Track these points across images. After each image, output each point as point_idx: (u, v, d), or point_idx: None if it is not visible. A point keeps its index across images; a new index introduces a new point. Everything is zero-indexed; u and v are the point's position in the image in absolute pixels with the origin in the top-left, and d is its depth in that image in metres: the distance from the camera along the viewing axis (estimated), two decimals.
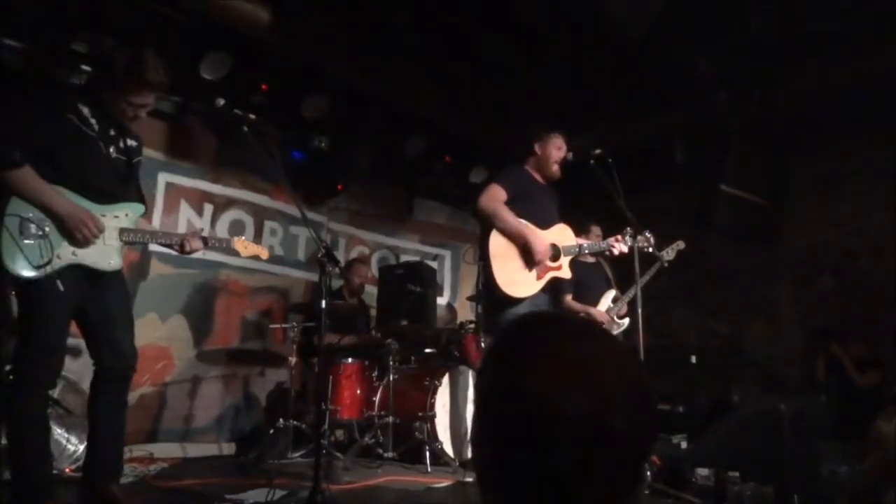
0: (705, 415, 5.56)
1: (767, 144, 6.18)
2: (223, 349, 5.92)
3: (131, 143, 3.12)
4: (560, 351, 0.90)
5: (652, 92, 6.01)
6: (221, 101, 5.44)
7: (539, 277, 3.94)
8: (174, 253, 3.27)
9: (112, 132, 3.02)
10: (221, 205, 6.14)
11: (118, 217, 2.97)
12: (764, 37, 5.13)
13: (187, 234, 3.25)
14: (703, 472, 3.97)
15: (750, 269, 6.92)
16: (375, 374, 5.47)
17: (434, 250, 7.80)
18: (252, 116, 3.41)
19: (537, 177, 4.24)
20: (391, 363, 5.16)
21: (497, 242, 3.90)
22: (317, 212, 6.75)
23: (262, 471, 4.37)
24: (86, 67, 4.82)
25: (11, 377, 2.79)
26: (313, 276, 6.36)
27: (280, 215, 6.52)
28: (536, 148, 4.25)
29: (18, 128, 2.73)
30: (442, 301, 7.72)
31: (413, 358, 5.75)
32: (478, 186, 6.14)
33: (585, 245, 4.24)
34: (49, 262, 2.66)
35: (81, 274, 2.83)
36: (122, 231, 2.96)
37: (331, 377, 5.17)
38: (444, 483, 4.26)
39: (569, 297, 5.29)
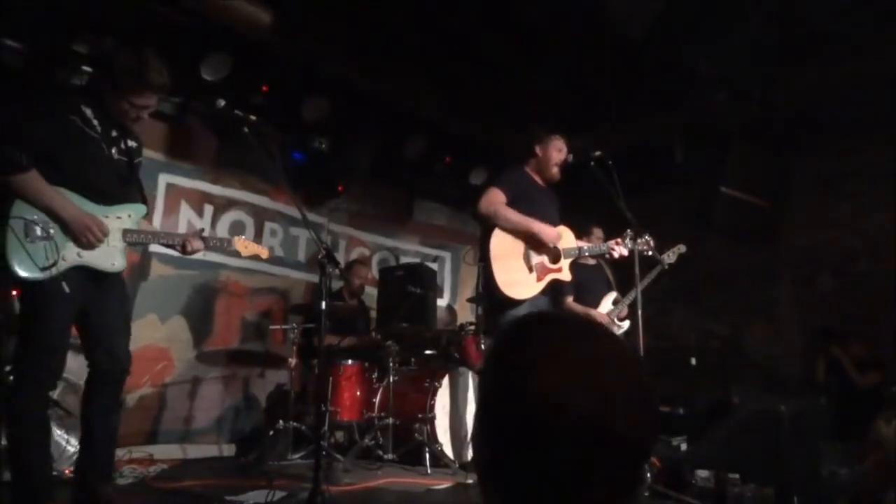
0: (705, 416, 5.55)
1: (767, 145, 6.18)
2: (223, 350, 5.92)
3: (132, 144, 3.13)
4: (562, 351, 0.90)
5: (652, 92, 6.01)
6: (222, 102, 5.43)
7: (539, 279, 3.94)
8: (174, 254, 3.28)
9: (114, 133, 3.03)
10: (222, 206, 6.14)
11: (121, 218, 2.98)
12: (764, 37, 5.14)
13: (189, 235, 3.25)
14: (703, 473, 3.97)
15: (750, 269, 6.93)
16: (375, 375, 5.47)
17: (434, 252, 7.80)
18: (252, 117, 3.41)
19: (537, 179, 4.24)
20: (391, 365, 5.16)
21: (498, 244, 3.89)
22: (317, 213, 6.75)
23: (262, 472, 4.37)
24: (86, 68, 4.82)
25: (12, 378, 2.79)
26: (313, 278, 6.36)
27: (280, 216, 6.52)
28: (537, 150, 4.24)
29: (24, 130, 2.74)
30: (442, 302, 7.71)
31: (413, 359, 5.75)
32: (478, 188, 6.14)
33: (586, 247, 4.24)
34: (55, 264, 2.69)
35: (85, 275, 2.85)
36: (126, 232, 2.98)
37: (331, 379, 5.16)
38: (444, 485, 4.26)
39: (569, 299, 5.29)
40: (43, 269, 2.66)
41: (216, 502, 3.43)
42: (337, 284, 6.05)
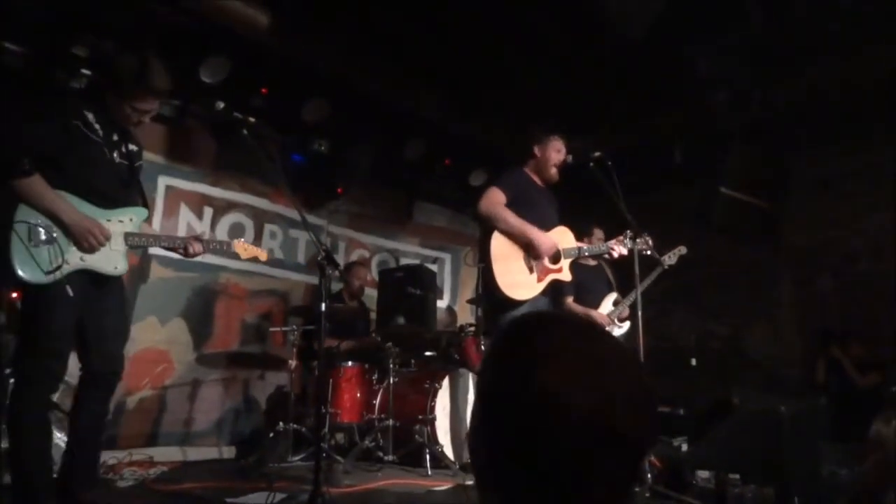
0: (706, 417, 5.54)
1: (767, 145, 6.18)
2: (223, 352, 5.92)
3: (133, 147, 3.16)
4: (563, 350, 0.91)
5: (652, 93, 6.01)
6: (221, 105, 5.41)
7: (540, 280, 3.94)
8: (174, 256, 3.29)
9: (115, 137, 3.05)
10: (221, 208, 6.14)
11: (123, 222, 3.00)
12: (764, 37, 5.14)
13: (190, 238, 3.27)
14: (703, 474, 3.97)
15: (750, 270, 6.93)
16: (375, 377, 5.47)
17: (434, 253, 7.79)
18: (252, 119, 3.42)
19: (536, 179, 4.24)
20: (391, 366, 5.16)
21: (498, 245, 3.89)
22: (317, 215, 6.75)
23: (262, 474, 4.37)
24: (86, 71, 4.83)
25: (13, 379, 2.80)
26: (313, 280, 6.36)
27: (280, 218, 6.52)
28: (535, 150, 4.24)
29: (27, 135, 2.77)
30: (442, 304, 7.71)
31: (413, 361, 5.75)
32: (478, 189, 6.13)
33: (585, 248, 4.24)
34: (59, 268, 2.71)
35: (88, 279, 2.87)
36: (128, 235, 3.00)
37: (331, 380, 5.17)
38: (445, 486, 4.26)
39: (570, 300, 5.29)
40: (47, 273, 2.68)
41: None
42: (336, 286, 6.05)
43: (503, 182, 4.06)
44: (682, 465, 4.14)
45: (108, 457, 4.54)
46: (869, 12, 4.85)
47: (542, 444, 0.86)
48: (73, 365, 3.01)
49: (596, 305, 5.36)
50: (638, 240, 4.19)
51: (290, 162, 6.48)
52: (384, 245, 7.55)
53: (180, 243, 3.24)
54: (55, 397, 3.68)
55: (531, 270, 3.92)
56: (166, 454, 5.16)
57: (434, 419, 5.04)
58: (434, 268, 7.24)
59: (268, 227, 6.46)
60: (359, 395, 5.30)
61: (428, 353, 5.86)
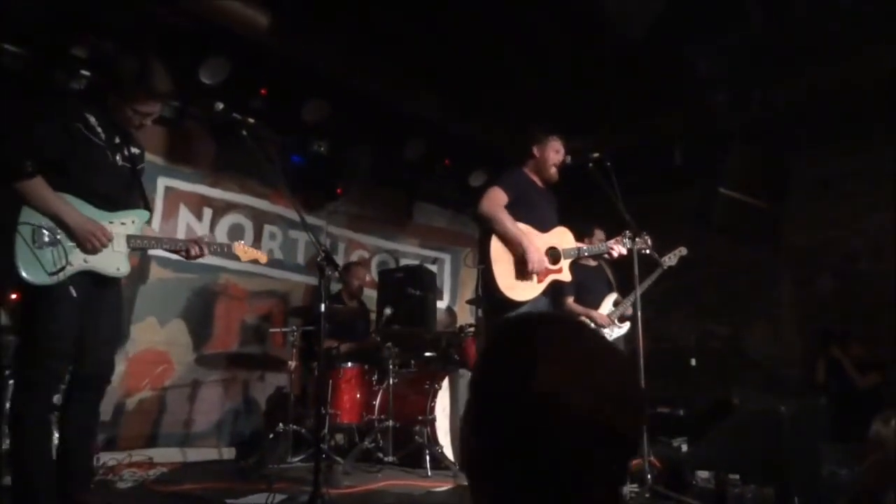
0: (706, 417, 5.54)
1: (767, 145, 6.18)
2: (223, 353, 5.92)
3: (135, 150, 3.17)
4: (562, 350, 0.93)
5: (651, 93, 6.01)
6: (220, 106, 5.41)
7: (540, 280, 3.93)
8: (173, 257, 3.30)
9: (117, 140, 3.06)
10: (220, 209, 6.14)
11: (125, 224, 3.01)
12: (764, 37, 5.14)
13: (192, 240, 3.27)
14: (703, 474, 3.97)
15: (750, 270, 6.93)
16: (375, 377, 5.47)
17: (434, 254, 7.79)
18: (251, 120, 3.43)
19: (536, 180, 4.24)
20: (391, 367, 5.16)
21: (498, 246, 3.88)
22: (316, 216, 6.75)
23: (261, 475, 4.37)
24: (85, 72, 4.83)
25: (12, 381, 2.80)
26: (313, 280, 6.36)
27: (279, 219, 6.52)
28: (535, 151, 4.24)
29: (30, 137, 2.78)
30: (442, 305, 7.70)
31: (413, 362, 5.75)
32: (478, 190, 6.14)
33: (585, 248, 4.23)
34: (62, 269, 2.73)
35: (90, 280, 2.88)
36: (130, 238, 3.01)
37: (330, 381, 5.17)
38: (445, 487, 4.25)
39: (570, 300, 5.30)
40: (51, 274, 2.70)
41: None
42: (336, 287, 6.05)
43: (504, 182, 4.05)
44: (682, 466, 4.14)
45: (108, 458, 4.54)
46: (869, 12, 4.84)
47: (541, 443, 0.87)
48: None
49: (596, 306, 5.37)
50: (637, 240, 4.18)
51: (290, 163, 6.48)
52: (384, 246, 7.55)
53: (182, 245, 3.24)
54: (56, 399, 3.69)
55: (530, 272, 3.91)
56: (166, 455, 5.15)
57: (434, 420, 5.04)
58: (434, 268, 7.24)
59: (267, 228, 6.46)
60: (358, 395, 5.30)
61: (428, 354, 5.85)
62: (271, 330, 6.09)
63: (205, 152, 6.03)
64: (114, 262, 2.95)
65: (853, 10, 4.86)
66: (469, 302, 6.37)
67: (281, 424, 4.91)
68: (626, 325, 5.27)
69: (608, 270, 5.64)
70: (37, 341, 2.75)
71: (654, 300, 5.41)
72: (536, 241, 3.91)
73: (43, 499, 2.72)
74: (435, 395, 5.14)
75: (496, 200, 3.93)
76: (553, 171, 4.21)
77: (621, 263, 4.40)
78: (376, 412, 5.23)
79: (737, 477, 3.76)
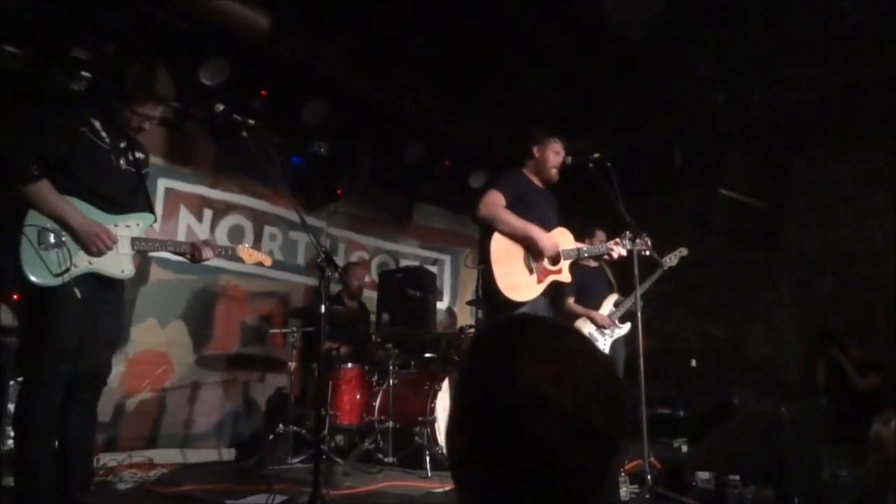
0: (706, 418, 5.55)
1: (767, 147, 6.18)
2: (223, 354, 5.92)
3: (140, 155, 3.22)
4: (544, 350, 0.95)
5: (651, 94, 6.02)
6: (221, 107, 5.46)
7: (540, 281, 3.93)
8: (174, 258, 3.30)
9: (122, 144, 3.11)
10: (221, 210, 6.14)
11: (129, 226, 3.06)
12: (764, 38, 5.14)
13: (197, 243, 3.29)
14: (703, 475, 3.96)
15: (750, 271, 6.93)
16: (375, 378, 5.47)
17: (434, 255, 7.79)
18: (251, 122, 3.43)
19: (535, 181, 4.23)
20: (391, 368, 5.16)
21: (498, 247, 3.89)
22: (316, 217, 6.75)
23: (261, 476, 4.37)
24: (86, 73, 4.83)
25: (12, 381, 2.81)
26: (313, 281, 6.36)
27: (279, 220, 6.52)
28: (535, 152, 4.24)
29: (36, 141, 2.82)
30: (442, 306, 7.71)
31: (413, 362, 5.75)
32: (478, 191, 6.14)
33: (585, 248, 4.23)
34: (67, 270, 2.76)
35: (96, 282, 2.92)
36: (134, 240, 3.05)
37: (330, 382, 5.17)
38: (445, 488, 4.25)
39: (570, 301, 5.31)
40: (56, 276, 2.73)
41: None
42: (336, 288, 6.05)
43: (502, 184, 4.05)
44: (682, 467, 4.14)
45: (108, 459, 4.54)
46: (869, 13, 4.85)
47: (525, 442, 0.89)
48: None
49: (597, 306, 5.37)
50: (637, 241, 4.18)
51: (290, 164, 6.48)
52: (384, 247, 7.55)
53: (187, 248, 3.27)
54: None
55: (531, 272, 3.91)
56: (166, 456, 5.15)
57: (434, 421, 5.03)
58: (434, 269, 7.25)
59: (267, 230, 6.46)
60: (358, 396, 5.30)
61: (428, 355, 5.85)
62: (271, 331, 6.08)
63: (205, 153, 6.03)
64: (118, 263, 2.98)
65: (853, 10, 4.87)
66: (469, 303, 6.37)
67: (281, 425, 4.91)
68: (627, 326, 5.27)
69: (608, 271, 5.65)
70: (41, 342, 2.77)
71: (654, 301, 5.42)
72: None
73: (44, 499, 2.74)
74: (435, 396, 5.14)
75: (494, 202, 3.93)
76: (553, 171, 4.21)
77: (621, 264, 4.40)
78: (376, 413, 5.23)
79: (737, 478, 3.75)
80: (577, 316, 5.30)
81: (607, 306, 5.40)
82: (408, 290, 6.02)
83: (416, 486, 4.28)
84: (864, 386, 5.70)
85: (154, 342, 5.49)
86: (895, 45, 5.17)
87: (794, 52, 5.41)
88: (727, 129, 6.03)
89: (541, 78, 5.96)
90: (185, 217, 5.88)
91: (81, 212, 2.86)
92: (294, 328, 5.29)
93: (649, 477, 3.67)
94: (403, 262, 7.52)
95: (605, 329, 5.28)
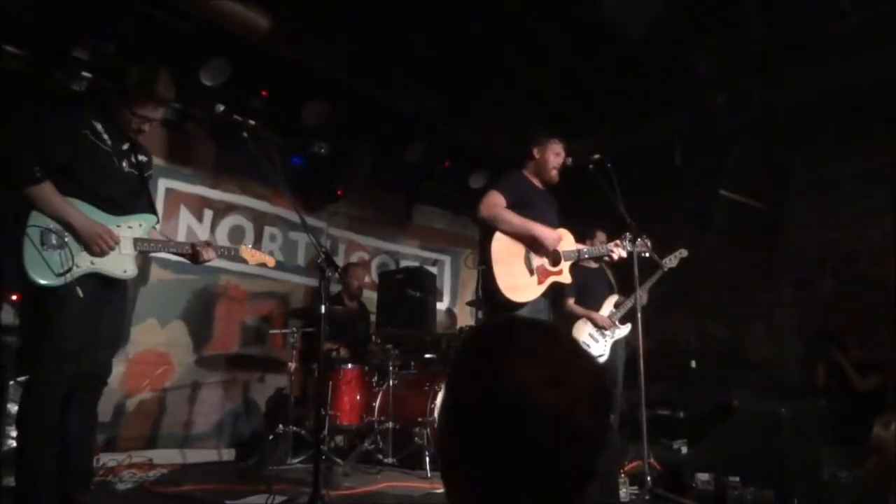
0: (705, 419, 5.54)
1: (767, 147, 6.18)
2: (223, 355, 5.92)
3: (142, 158, 3.24)
4: (532, 353, 0.97)
5: (651, 95, 6.01)
6: (221, 107, 5.46)
7: (540, 282, 3.93)
8: (174, 259, 3.31)
9: (124, 147, 3.13)
10: (221, 210, 6.14)
11: (132, 227, 3.08)
12: (764, 38, 5.14)
13: (199, 244, 3.30)
14: (703, 476, 3.96)
15: (749, 272, 6.93)
16: (375, 379, 5.47)
17: (434, 255, 7.78)
18: (252, 122, 3.43)
19: (536, 182, 4.23)
20: (391, 368, 5.16)
21: (498, 247, 3.88)
22: (316, 217, 6.75)
23: (261, 477, 4.36)
24: (86, 74, 4.83)
25: (12, 382, 2.82)
26: (313, 282, 6.36)
27: (280, 221, 6.52)
28: (535, 153, 4.23)
29: (38, 143, 2.84)
30: (442, 306, 7.71)
31: (413, 363, 5.75)
32: (477, 191, 6.14)
33: (585, 250, 4.23)
34: (69, 270, 2.78)
35: (99, 283, 2.94)
36: (137, 241, 3.07)
37: (330, 383, 5.16)
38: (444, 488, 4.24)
39: (571, 302, 5.31)
40: (58, 275, 2.75)
41: None
42: (336, 288, 6.05)
43: (502, 185, 4.05)
44: (682, 468, 4.14)
45: (108, 459, 4.54)
46: (869, 13, 4.85)
47: (514, 442, 0.91)
48: None
49: (597, 307, 5.37)
50: (637, 242, 4.18)
51: (290, 164, 6.48)
52: (384, 247, 7.55)
53: (188, 249, 3.28)
54: None
55: (531, 273, 3.91)
56: (166, 456, 5.15)
57: (434, 421, 5.02)
58: (434, 270, 7.24)
59: (268, 230, 6.46)
60: (358, 397, 5.30)
61: (428, 356, 5.85)
62: (271, 331, 6.08)
63: (205, 154, 6.03)
64: (121, 264, 3.01)
65: (853, 11, 4.87)
66: (469, 303, 6.37)
67: (281, 426, 4.91)
68: (628, 327, 5.27)
69: (609, 272, 5.65)
70: (44, 342, 2.80)
71: (654, 301, 5.42)
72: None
73: (44, 499, 2.75)
74: (435, 397, 5.13)
75: (495, 203, 3.93)
76: (553, 173, 4.21)
77: (622, 265, 4.40)
78: (376, 414, 5.23)
79: (737, 479, 3.75)
80: (578, 317, 5.30)
81: (607, 307, 5.40)
82: (408, 291, 6.02)
83: (416, 487, 4.28)
84: (864, 387, 5.70)
85: (154, 342, 5.49)
86: (895, 45, 5.16)
87: (794, 52, 5.40)
88: (727, 130, 6.03)
89: (541, 78, 5.95)
90: (185, 217, 5.88)
91: (84, 213, 2.88)
92: (294, 329, 5.29)
93: (649, 478, 3.67)
94: (403, 263, 7.52)
95: (605, 330, 5.28)
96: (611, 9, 4.69)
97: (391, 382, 5.12)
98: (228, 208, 6.19)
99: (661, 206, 6.63)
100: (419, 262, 7.50)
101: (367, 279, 6.79)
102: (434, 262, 7.56)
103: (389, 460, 4.90)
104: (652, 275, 5.15)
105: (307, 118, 5.85)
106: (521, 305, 3.83)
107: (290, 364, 5.13)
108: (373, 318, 6.48)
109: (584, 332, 5.27)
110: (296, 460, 4.87)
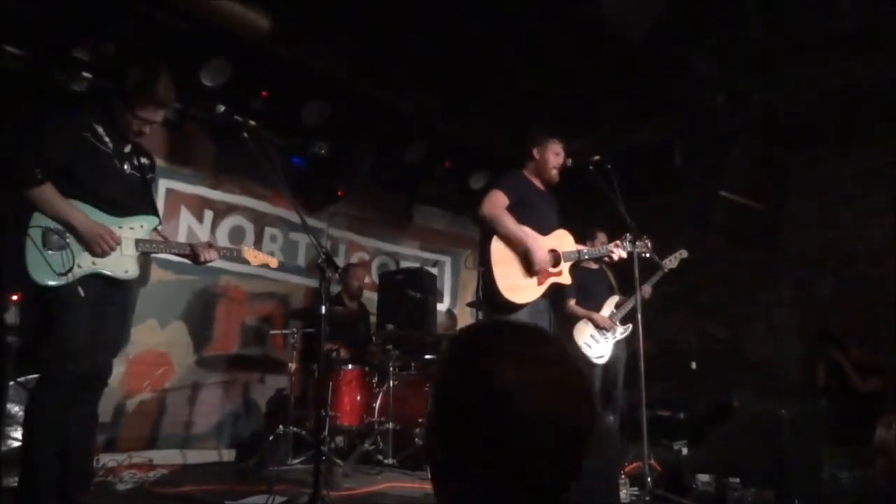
0: (706, 420, 5.54)
1: (767, 148, 6.18)
2: (223, 355, 5.92)
3: (144, 161, 3.26)
4: (521, 354, 1.00)
5: (651, 95, 6.01)
6: (221, 108, 5.42)
7: (540, 283, 3.93)
8: (174, 259, 3.32)
9: (126, 149, 3.15)
10: (221, 211, 6.14)
11: (133, 228, 3.10)
12: (764, 38, 5.14)
13: (201, 245, 3.31)
14: (703, 477, 3.95)
15: (749, 272, 6.92)
16: (375, 380, 5.46)
17: (434, 256, 7.79)
18: (252, 122, 3.43)
19: (536, 182, 4.24)
20: (391, 369, 5.15)
21: (498, 248, 3.89)
22: (317, 218, 6.75)
23: (261, 477, 4.35)
24: (86, 74, 4.83)
25: (12, 382, 2.84)
26: (313, 283, 6.36)
27: (280, 221, 6.52)
28: (535, 153, 4.24)
29: (39, 145, 2.86)
30: (442, 307, 7.71)
31: (413, 364, 5.74)
32: (478, 192, 6.14)
33: (585, 251, 4.23)
34: (70, 270, 2.80)
35: (102, 282, 2.96)
36: (138, 242, 3.09)
37: (331, 383, 5.16)
38: None
39: (572, 302, 5.31)
40: (59, 275, 2.77)
41: None
42: (336, 289, 6.05)
43: (504, 185, 4.05)
44: (682, 469, 4.14)
45: (108, 459, 4.54)
46: (869, 13, 4.85)
47: (499, 443, 0.94)
48: None
49: (598, 308, 5.37)
50: (637, 243, 4.18)
51: (291, 165, 6.48)
52: (384, 248, 7.55)
53: (188, 249, 3.29)
54: None
55: (531, 274, 3.91)
56: (166, 457, 5.15)
57: None
58: (434, 271, 7.24)
59: (268, 231, 6.46)
60: (359, 398, 5.29)
61: (428, 357, 5.84)
62: (272, 332, 6.07)
63: (205, 154, 6.03)
64: (122, 264, 3.02)
65: (853, 12, 4.86)
66: (469, 304, 6.37)
67: (281, 426, 4.90)
68: (629, 328, 5.27)
69: (609, 273, 5.65)
70: (48, 343, 2.82)
71: (654, 302, 5.42)
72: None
73: (44, 499, 2.76)
74: None
75: (497, 203, 3.94)
76: (553, 172, 4.21)
77: (622, 266, 4.40)
78: (376, 414, 5.23)
79: (737, 480, 3.75)
80: (579, 318, 5.30)
81: (608, 308, 5.41)
82: (408, 292, 6.02)
83: (416, 488, 4.27)
84: (864, 388, 5.69)
85: (154, 343, 5.49)
86: (895, 45, 5.16)
87: (794, 52, 5.40)
88: (727, 130, 6.03)
89: (541, 78, 5.95)
90: (185, 218, 5.88)
91: (85, 214, 2.90)
92: (294, 329, 5.28)
93: (649, 479, 3.67)
94: (404, 264, 7.51)
95: (606, 331, 5.28)
96: (611, 9, 4.69)
97: (391, 383, 5.12)
98: (229, 209, 6.19)
99: (661, 206, 6.62)
100: (419, 262, 7.50)
101: (367, 280, 6.78)
102: (434, 263, 7.57)
103: (390, 461, 4.90)
104: (652, 275, 5.15)
105: (307, 118, 5.85)
106: (522, 306, 3.83)
107: (290, 365, 5.13)
108: (373, 318, 6.47)
109: (585, 333, 5.28)
110: (296, 461, 4.86)
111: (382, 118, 6.27)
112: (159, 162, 5.59)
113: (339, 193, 6.77)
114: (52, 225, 2.81)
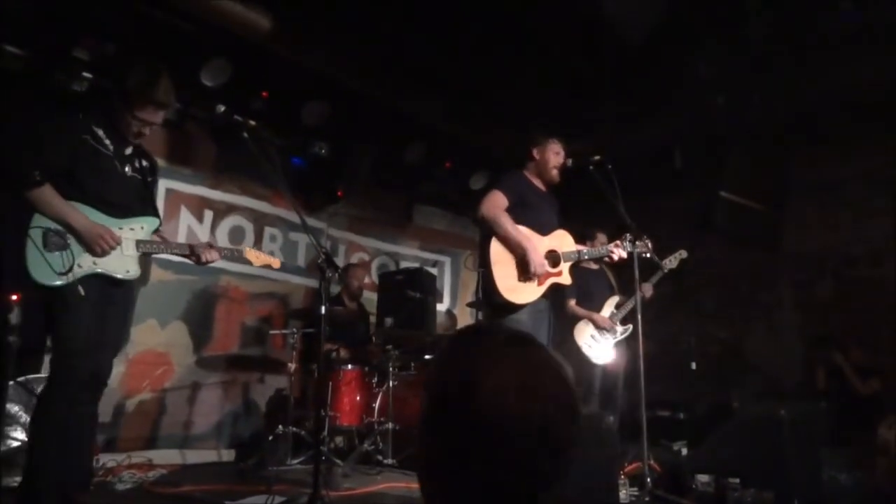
0: (705, 421, 5.54)
1: (767, 149, 6.18)
2: (223, 355, 5.92)
3: (146, 163, 3.27)
4: (508, 357, 1.03)
5: (651, 97, 6.01)
6: (222, 108, 5.41)
7: (540, 284, 3.92)
8: (174, 259, 3.33)
9: (127, 152, 3.16)
10: (221, 211, 6.14)
11: (134, 230, 3.12)
12: (764, 41, 5.14)
13: (202, 245, 3.32)
14: (703, 478, 3.95)
15: (750, 274, 6.92)
16: (375, 380, 5.46)
17: (434, 256, 7.79)
18: (252, 122, 3.43)
19: (536, 182, 4.23)
20: (391, 369, 5.15)
21: (498, 249, 3.88)
22: (317, 218, 6.75)
23: (261, 477, 4.35)
24: (86, 74, 4.83)
25: (11, 382, 2.85)
26: (313, 283, 6.36)
27: (280, 221, 6.52)
28: (535, 153, 4.24)
29: (38, 147, 2.88)
30: (442, 307, 7.70)
31: (413, 364, 5.74)
32: (478, 192, 6.13)
33: (585, 251, 4.22)
34: (70, 270, 2.82)
35: (104, 283, 2.97)
36: (139, 242, 3.11)
37: (330, 383, 5.16)
38: None
39: (572, 303, 5.30)
40: (59, 275, 2.79)
41: None
42: (336, 289, 6.05)
43: (504, 185, 4.04)
44: (682, 470, 4.13)
45: (107, 459, 4.54)
46: (869, 16, 4.85)
47: (486, 445, 0.97)
48: None
49: (598, 308, 5.37)
50: (637, 243, 4.18)
51: (291, 165, 6.48)
52: (384, 248, 7.55)
53: (189, 250, 3.30)
54: None
55: (530, 276, 3.90)
56: (165, 457, 5.16)
57: None
58: (434, 271, 7.24)
59: (268, 231, 6.46)
60: (358, 398, 5.29)
61: (427, 357, 5.84)
62: (271, 332, 6.08)
63: (205, 154, 6.03)
64: (123, 265, 3.04)
65: (853, 13, 4.86)
66: (469, 305, 6.37)
67: (280, 426, 4.90)
68: (629, 328, 5.27)
69: (609, 273, 5.65)
70: (58, 341, 2.86)
71: (654, 303, 5.42)
72: (537, 245, 3.91)
73: (44, 499, 2.76)
74: None
75: (496, 203, 3.93)
76: (554, 173, 4.21)
77: (622, 266, 4.40)
78: (376, 414, 5.23)
79: (737, 481, 3.75)
80: (579, 318, 5.30)
81: (608, 308, 5.40)
82: (408, 292, 6.02)
83: (416, 488, 4.25)
84: (864, 390, 5.69)
85: (154, 343, 5.50)
86: (895, 45, 5.16)
87: (794, 52, 5.40)
88: (727, 131, 6.03)
89: (542, 79, 5.95)
90: (185, 218, 5.88)
91: (85, 215, 2.91)
92: (294, 329, 5.28)
93: (649, 480, 3.66)
94: (403, 264, 7.51)
95: (606, 331, 5.28)
96: (611, 9, 4.69)
97: (391, 383, 5.12)
98: (229, 209, 6.20)
99: (662, 207, 6.62)
100: (419, 262, 7.51)
101: (367, 280, 6.79)
102: (434, 263, 7.57)
103: (389, 461, 4.89)
104: (652, 276, 5.15)
105: (307, 118, 5.85)
106: (521, 307, 3.83)
107: (289, 365, 5.12)
108: (373, 318, 6.47)
109: (585, 334, 5.28)
110: (295, 461, 4.86)
111: (382, 118, 6.27)
112: (160, 162, 5.59)
113: (339, 193, 6.78)
114: (53, 225, 2.82)
